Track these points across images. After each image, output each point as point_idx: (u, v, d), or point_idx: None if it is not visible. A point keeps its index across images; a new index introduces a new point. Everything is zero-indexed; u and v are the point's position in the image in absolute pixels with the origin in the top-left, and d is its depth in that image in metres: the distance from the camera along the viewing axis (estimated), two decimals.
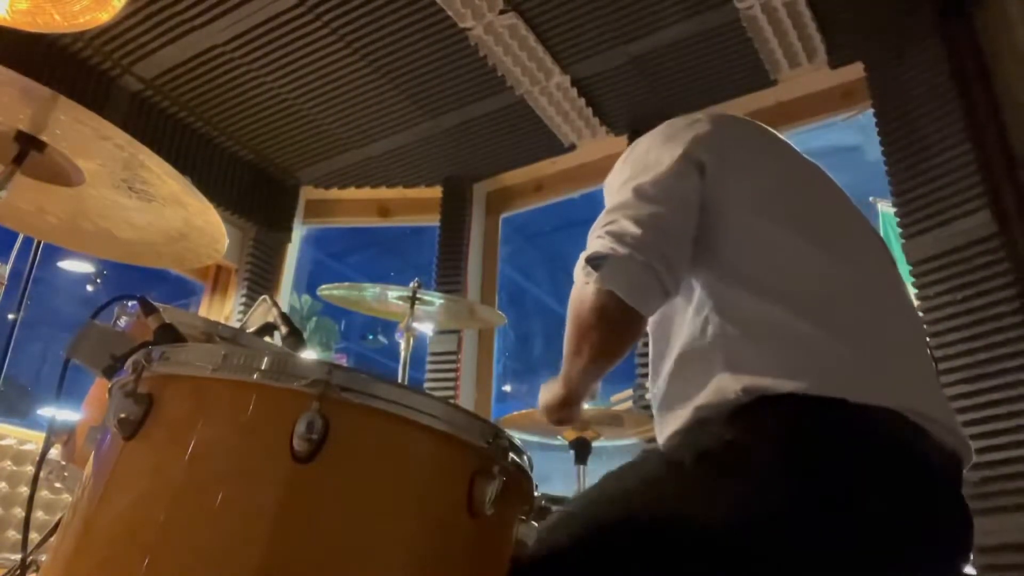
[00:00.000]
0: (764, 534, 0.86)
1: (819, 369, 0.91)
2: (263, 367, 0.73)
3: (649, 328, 1.13)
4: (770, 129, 1.24)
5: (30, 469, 2.34)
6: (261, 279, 3.86)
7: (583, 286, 1.02)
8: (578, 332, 1.05)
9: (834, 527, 0.87)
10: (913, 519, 0.91)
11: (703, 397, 0.96)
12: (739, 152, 1.13)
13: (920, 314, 2.45)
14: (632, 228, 0.99)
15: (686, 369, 1.02)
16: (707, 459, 0.92)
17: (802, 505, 0.87)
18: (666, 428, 1.03)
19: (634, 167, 1.10)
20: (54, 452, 1.28)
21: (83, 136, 1.26)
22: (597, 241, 1.01)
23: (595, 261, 0.99)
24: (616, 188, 1.10)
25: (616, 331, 1.03)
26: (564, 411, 1.16)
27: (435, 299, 2.39)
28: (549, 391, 1.18)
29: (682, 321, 1.04)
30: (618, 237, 0.99)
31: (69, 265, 7.97)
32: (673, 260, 1.00)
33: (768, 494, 0.87)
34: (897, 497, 0.89)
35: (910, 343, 1.06)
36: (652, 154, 1.10)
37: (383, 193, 4.08)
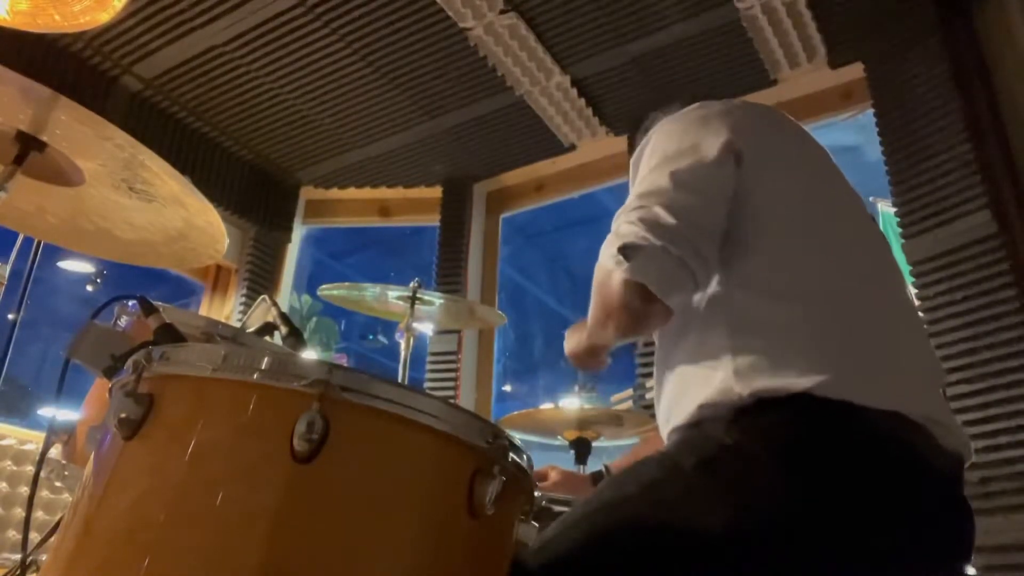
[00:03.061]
0: (766, 539, 0.86)
1: (825, 371, 0.91)
2: (263, 367, 0.73)
3: None
4: (798, 123, 1.22)
5: (30, 469, 2.34)
6: (261, 279, 3.87)
7: (610, 270, 0.98)
8: (604, 310, 1.03)
9: (836, 530, 0.87)
10: (916, 520, 0.90)
11: (708, 394, 0.95)
12: (774, 149, 1.11)
13: (920, 314, 2.45)
14: (667, 218, 0.95)
15: (693, 363, 1.01)
16: (707, 463, 0.91)
17: (803, 512, 0.87)
18: (669, 422, 1.03)
19: (668, 149, 1.06)
20: (54, 452, 1.28)
21: (83, 136, 1.26)
22: (629, 227, 0.97)
23: (627, 250, 0.95)
24: (648, 170, 1.06)
25: (642, 319, 1.01)
26: (590, 361, 1.19)
27: (435, 299, 2.39)
28: (575, 339, 1.19)
29: (693, 315, 1.04)
30: (652, 226, 0.95)
31: (69, 265, 7.96)
32: (705, 254, 0.97)
33: (769, 498, 0.87)
34: (899, 501, 0.89)
35: (915, 345, 1.06)
36: (689, 138, 1.06)
37: (383, 193, 4.08)
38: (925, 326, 2.42)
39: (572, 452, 2.19)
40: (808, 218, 1.06)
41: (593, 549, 0.90)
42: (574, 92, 3.32)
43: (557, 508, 1.35)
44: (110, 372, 0.90)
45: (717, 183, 1.02)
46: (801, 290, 0.99)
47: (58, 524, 0.88)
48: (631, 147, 3.30)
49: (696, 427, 0.97)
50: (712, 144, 1.04)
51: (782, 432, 0.90)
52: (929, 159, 2.59)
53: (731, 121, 1.08)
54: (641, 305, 0.97)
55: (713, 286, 1.02)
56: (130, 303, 1.28)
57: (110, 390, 0.82)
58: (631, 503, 0.93)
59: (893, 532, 0.88)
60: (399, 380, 2.06)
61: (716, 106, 1.13)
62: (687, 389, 1.00)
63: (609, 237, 1.00)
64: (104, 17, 1.96)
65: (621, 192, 1.13)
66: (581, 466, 2.17)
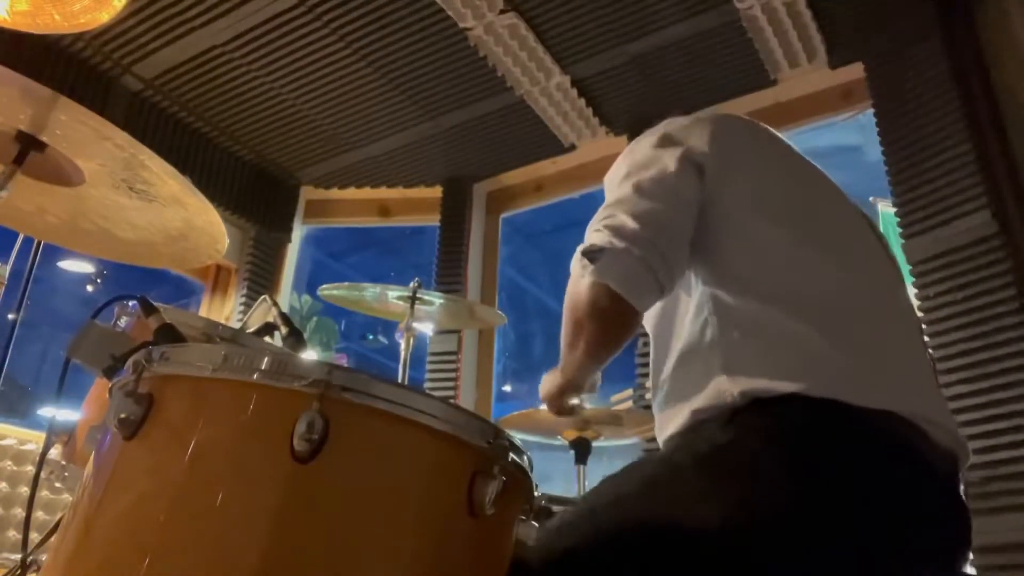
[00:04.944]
0: (762, 536, 0.86)
1: (816, 372, 0.91)
2: (263, 367, 0.73)
3: (650, 328, 1.14)
4: (771, 129, 1.24)
5: (30, 469, 2.34)
6: (261, 279, 3.86)
7: (579, 278, 1.02)
8: (574, 325, 1.05)
9: (832, 528, 0.87)
10: (911, 519, 0.91)
11: (701, 399, 0.96)
12: (739, 154, 1.12)
13: (920, 314, 2.44)
14: (630, 223, 0.99)
15: (685, 370, 1.02)
16: (704, 461, 0.92)
17: (799, 506, 0.87)
18: (665, 429, 1.04)
19: (634, 164, 1.10)
20: (54, 452, 1.28)
21: (83, 136, 1.26)
22: (595, 234, 1.01)
23: (592, 254, 0.99)
24: (616, 184, 1.10)
25: (610, 325, 1.03)
26: (563, 400, 1.18)
27: (435, 299, 2.39)
28: (548, 382, 1.19)
29: (683, 322, 1.04)
30: (616, 231, 0.99)
31: (69, 265, 7.97)
32: (669, 257, 1.00)
33: (765, 496, 0.87)
34: (895, 497, 0.90)
35: (907, 345, 1.06)
36: (653, 153, 1.10)
37: (383, 193, 4.08)
38: (924, 326, 2.41)
39: (572, 452, 2.18)
40: (793, 219, 1.07)
41: (592, 547, 0.91)
42: (574, 92, 3.32)
43: (557, 508, 1.35)
44: (110, 372, 0.90)
45: (679, 191, 1.05)
46: (790, 291, 1.00)
47: (58, 524, 0.88)
48: None
49: (693, 429, 0.97)
50: (674, 158, 1.07)
51: (778, 430, 0.90)
52: (929, 159, 2.59)
53: (694, 136, 1.11)
54: (609, 305, 0.99)
55: (700, 291, 1.03)
56: (130, 303, 1.28)
57: (110, 390, 0.82)
58: (630, 501, 0.93)
59: (889, 529, 0.88)
60: (399, 380, 2.06)
61: (681, 121, 1.16)
62: (681, 396, 1.00)
63: (579, 248, 1.03)
64: (104, 17, 1.96)
65: None
66: (581, 466, 2.17)
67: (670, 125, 1.16)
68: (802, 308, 0.98)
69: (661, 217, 1.01)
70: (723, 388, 0.94)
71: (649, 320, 1.13)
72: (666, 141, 1.11)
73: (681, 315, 1.05)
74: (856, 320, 1.00)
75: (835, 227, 1.12)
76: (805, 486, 0.87)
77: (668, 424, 1.02)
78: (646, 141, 1.14)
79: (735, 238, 1.04)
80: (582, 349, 1.06)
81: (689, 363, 1.01)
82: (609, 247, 0.98)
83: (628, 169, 1.10)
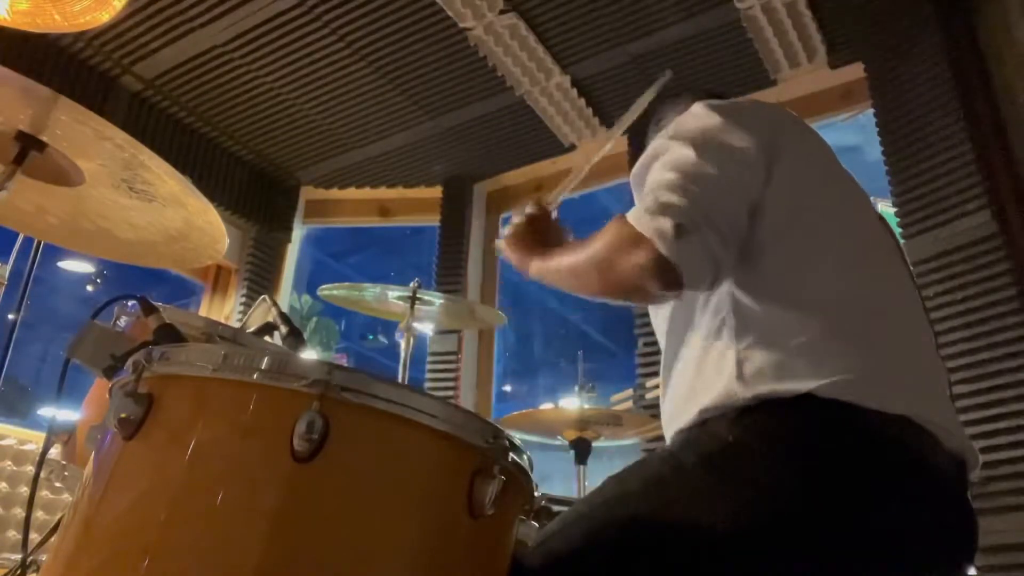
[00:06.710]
0: (767, 536, 0.86)
1: (830, 374, 0.90)
2: (263, 367, 0.73)
3: (664, 320, 1.13)
4: (811, 127, 1.21)
5: (30, 469, 2.34)
6: (261, 279, 3.87)
7: (635, 238, 0.94)
8: (598, 270, 1.00)
9: (836, 529, 0.87)
10: (918, 523, 0.90)
11: (711, 398, 0.95)
12: (785, 156, 1.08)
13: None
14: (719, 217, 0.95)
15: (698, 367, 1.01)
16: (709, 460, 0.91)
17: (804, 507, 0.87)
18: (673, 423, 1.03)
19: (707, 142, 1.03)
20: (54, 452, 1.28)
21: (83, 136, 1.26)
22: (682, 202, 0.93)
23: (679, 228, 0.91)
24: (687, 154, 1.01)
25: (640, 295, 1.00)
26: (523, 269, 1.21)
27: (435, 299, 2.39)
28: (524, 259, 1.21)
29: (699, 320, 1.03)
30: (706, 217, 0.93)
31: (69, 265, 7.98)
32: (730, 263, 0.98)
33: (770, 495, 0.87)
34: (902, 500, 0.89)
35: (922, 348, 1.05)
36: (729, 137, 1.04)
37: (383, 193, 4.09)
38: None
39: (572, 452, 2.19)
40: (816, 220, 1.05)
41: (594, 546, 0.90)
42: (574, 92, 3.32)
43: (557, 508, 1.35)
44: (110, 372, 0.90)
45: (749, 189, 1.02)
46: (810, 294, 0.99)
47: (58, 524, 0.88)
48: (631, 147, 3.28)
49: (700, 426, 0.97)
50: (748, 145, 1.03)
51: (784, 431, 0.90)
52: (929, 159, 2.58)
53: (759, 127, 1.07)
54: (658, 284, 0.93)
55: (718, 290, 1.02)
56: (130, 303, 1.28)
57: (110, 390, 0.82)
58: (633, 500, 0.93)
59: (894, 532, 0.88)
60: (399, 380, 2.06)
61: (743, 107, 1.11)
62: (691, 394, 1.00)
63: (649, 202, 0.96)
64: (104, 17, 1.96)
65: (621, 192, 1.13)
66: (581, 466, 2.17)
67: (734, 110, 1.09)
68: (821, 311, 0.97)
69: (732, 217, 0.97)
70: (734, 391, 0.93)
71: (663, 312, 1.13)
72: (735, 126, 1.05)
73: (699, 310, 1.04)
74: (874, 323, 0.99)
75: (859, 228, 1.10)
76: (810, 491, 0.87)
77: (677, 418, 1.02)
78: (712, 119, 1.06)
79: (763, 237, 1.02)
80: (586, 290, 1.04)
81: (703, 360, 1.01)
82: (698, 235, 0.92)
83: (697, 143, 1.02)
